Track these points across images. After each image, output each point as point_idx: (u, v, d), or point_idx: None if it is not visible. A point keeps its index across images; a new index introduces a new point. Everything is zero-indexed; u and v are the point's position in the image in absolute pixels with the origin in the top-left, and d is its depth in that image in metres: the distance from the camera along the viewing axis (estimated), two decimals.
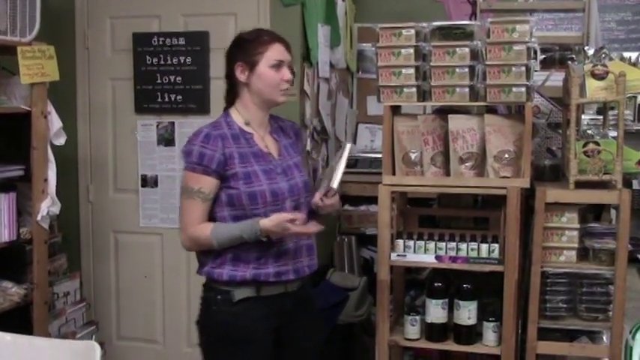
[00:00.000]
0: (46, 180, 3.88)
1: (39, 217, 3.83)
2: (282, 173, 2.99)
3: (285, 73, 2.97)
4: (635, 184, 6.40)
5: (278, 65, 2.95)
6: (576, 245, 3.43)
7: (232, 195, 2.89)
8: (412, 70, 3.47)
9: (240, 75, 2.95)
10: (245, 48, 2.95)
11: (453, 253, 3.51)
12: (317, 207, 3.02)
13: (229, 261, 2.91)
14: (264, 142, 3.02)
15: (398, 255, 3.57)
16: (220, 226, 2.90)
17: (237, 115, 3.01)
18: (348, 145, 3.05)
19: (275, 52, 2.95)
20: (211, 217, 2.95)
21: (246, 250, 2.90)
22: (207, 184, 2.88)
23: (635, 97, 6.27)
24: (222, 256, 2.92)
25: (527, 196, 3.54)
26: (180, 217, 2.98)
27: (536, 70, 3.55)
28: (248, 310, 2.93)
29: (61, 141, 4.01)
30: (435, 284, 3.58)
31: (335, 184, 2.94)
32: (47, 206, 3.86)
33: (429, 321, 3.59)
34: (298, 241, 3.01)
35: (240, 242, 2.86)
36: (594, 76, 3.32)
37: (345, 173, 5.40)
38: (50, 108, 3.91)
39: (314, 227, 2.93)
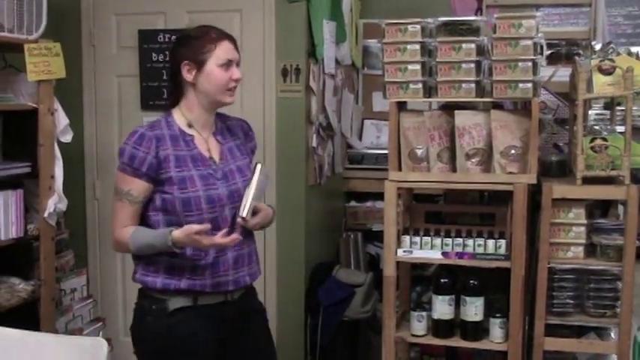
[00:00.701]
0: (52, 177, 3.88)
1: (46, 214, 3.84)
2: (223, 178, 2.83)
3: (235, 72, 2.83)
4: None
5: (227, 64, 2.80)
6: (583, 241, 3.42)
7: (166, 200, 2.75)
8: (418, 66, 3.46)
9: (187, 75, 2.80)
10: (192, 46, 2.80)
11: (459, 249, 3.51)
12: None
13: (163, 269, 2.78)
14: (207, 145, 2.87)
15: (404, 251, 3.57)
16: (140, 231, 2.76)
17: (179, 116, 2.86)
18: (259, 166, 2.86)
19: (224, 50, 2.80)
20: (145, 221, 2.81)
21: (181, 259, 2.75)
22: (137, 186, 2.75)
23: None
24: (156, 264, 2.79)
25: (534, 192, 3.54)
26: (112, 219, 2.86)
27: (542, 66, 3.54)
28: (185, 320, 2.79)
29: (67, 138, 4.01)
30: (442, 280, 3.58)
31: (244, 213, 2.74)
32: (54, 203, 3.87)
33: (435, 317, 3.58)
34: (239, 250, 2.86)
35: (154, 251, 2.73)
36: (601, 71, 3.31)
37: (350, 169, 5.47)
38: (57, 105, 3.91)
39: (230, 238, 2.70)
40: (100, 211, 5.04)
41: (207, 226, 2.67)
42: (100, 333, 4.35)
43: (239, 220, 2.76)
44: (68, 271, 4.38)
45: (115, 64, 4.93)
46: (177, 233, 2.66)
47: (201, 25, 2.92)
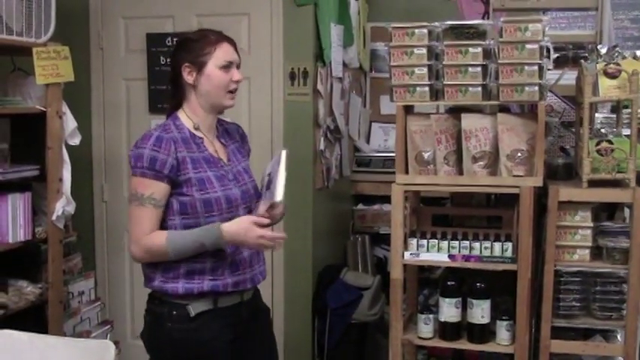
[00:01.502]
0: (61, 180, 3.90)
1: (54, 217, 3.86)
2: (234, 179, 2.87)
3: (235, 74, 2.85)
4: None
5: (227, 66, 2.82)
6: (590, 244, 3.43)
7: (185, 202, 2.74)
8: (425, 70, 3.47)
9: (188, 77, 2.81)
10: (192, 48, 2.82)
11: (466, 252, 3.51)
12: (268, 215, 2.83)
13: (183, 274, 2.77)
14: (214, 147, 2.90)
15: (411, 254, 3.58)
16: (176, 234, 2.74)
17: (186, 119, 2.87)
18: (284, 152, 2.84)
19: (224, 52, 2.83)
20: (160, 226, 2.79)
21: (201, 262, 2.76)
22: (159, 189, 2.72)
23: None
24: (175, 270, 2.77)
25: (540, 195, 3.54)
26: (130, 227, 2.80)
27: (549, 69, 3.54)
28: (205, 324, 2.79)
29: (75, 141, 4.03)
30: (449, 283, 3.59)
31: (278, 197, 2.75)
32: (62, 206, 3.88)
33: (442, 320, 3.59)
34: (252, 249, 2.88)
35: (200, 251, 2.73)
36: (607, 74, 3.32)
37: (358, 172, 5.49)
38: (65, 108, 3.93)
39: (282, 234, 2.83)
40: (108, 214, 5.06)
41: (264, 219, 2.75)
42: (108, 336, 4.37)
43: (276, 202, 2.76)
44: (76, 273, 4.39)
45: (123, 67, 4.95)
46: (230, 225, 2.70)
47: (201, 28, 2.97)
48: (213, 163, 2.84)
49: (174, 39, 4.71)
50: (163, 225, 2.78)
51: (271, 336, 3.14)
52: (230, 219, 2.76)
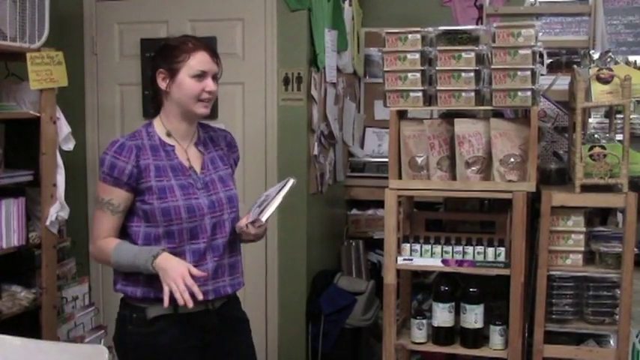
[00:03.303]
0: (54, 185, 3.90)
1: (48, 222, 3.86)
2: (204, 188, 2.82)
3: (208, 84, 2.78)
4: None
5: (200, 75, 2.76)
6: (582, 249, 3.44)
7: (146, 210, 2.73)
8: (418, 75, 3.48)
9: (161, 82, 2.78)
10: (168, 54, 2.78)
11: (459, 257, 3.52)
12: (240, 231, 2.83)
13: (143, 280, 2.75)
14: (186, 155, 2.85)
15: (404, 259, 3.58)
16: (123, 246, 2.74)
17: (159, 126, 2.84)
18: (292, 181, 2.84)
19: (198, 61, 2.76)
20: (125, 230, 2.80)
21: None
22: (118, 195, 2.72)
23: None
24: (135, 275, 2.75)
25: (534, 200, 3.55)
26: (91, 228, 2.86)
27: (542, 74, 3.55)
28: (166, 328, 2.77)
29: (69, 146, 4.03)
30: (442, 288, 3.59)
31: (265, 217, 2.73)
32: (56, 211, 3.88)
33: (435, 324, 3.60)
34: (219, 260, 2.83)
35: (134, 270, 2.70)
36: (599, 79, 3.33)
37: (352, 177, 5.49)
38: (59, 113, 3.93)
39: (201, 274, 2.68)
40: None
41: (203, 274, 2.69)
42: (102, 341, 4.35)
43: (255, 219, 2.75)
44: (70, 278, 4.38)
45: (117, 72, 4.95)
46: (170, 257, 2.65)
47: (183, 34, 2.92)
48: (181, 172, 2.80)
49: None
50: (127, 230, 2.80)
51: (248, 345, 3.07)
52: (193, 228, 2.76)
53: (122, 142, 2.76)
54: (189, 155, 2.86)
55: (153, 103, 2.91)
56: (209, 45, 2.87)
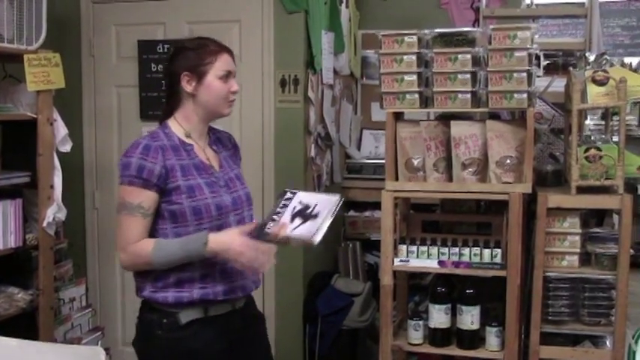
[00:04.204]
0: (52, 186, 3.90)
1: (45, 224, 3.86)
2: (225, 186, 2.84)
3: (233, 85, 2.83)
4: None
5: (226, 76, 2.80)
6: (578, 250, 3.45)
7: (175, 210, 2.70)
8: (414, 77, 3.49)
9: (187, 85, 2.78)
10: (192, 58, 2.79)
11: (455, 259, 3.52)
12: (277, 239, 2.68)
13: (173, 284, 2.72)
14: (205, 154, 2.86)
15: (401, 260, 3.59)
16: (162, 242, 2.70)
17: (176, 127, 2.84)
18: (339, 198, 2.73)
19: (223, 62, 2.80)
20: (151, 234, 2.74)
21: (190, 270, 2.71)
22: (147, 198, 2.68)
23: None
24: (164, 279, 2.72)
25: (530, 201, 3.56)
26: (118, 235, 2.73)
27: (538, 76, 3.56)
28: (196, 333, 2.75)
29: (66, 148, 4.03)
30: (438, 289, 3.60)
31: (318, 238, 2.59)
32: (53, 212, 3.88)
33: (432, 326, 3.61)
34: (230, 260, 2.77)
35: (185, 259, 2.67)
36: (595, 81, 3.34)
37: (349, 179, 5.51)
38: (56, 115, 3.94)
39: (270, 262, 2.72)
40: (99, 221, 5.06)
41: (253, 225, 2.73)
42: (99, 342, 4.36)
43: (308, 242, 2.63)
44: (67, 280, 4.39)
45: (114, 74, 4.95)
46: (217, 234, 2.67)
47: (199, 36, 2.92)
48: (204, 170, 2.80)
49: (166, 46, 4.74)
50: (154, 233, 2.75)
51: (266, 343, 3.10)
52: (220, 226, 2.75)
53: (146, 143, 2.72)
54: (208, 154, 2.88)
55: (168, 105, 2.90)
56: (227, 46, 2.89)
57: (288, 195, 2.80)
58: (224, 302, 2.81)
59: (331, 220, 2.64)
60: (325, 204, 2.70)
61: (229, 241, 2.65)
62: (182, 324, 2.74)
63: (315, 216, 2.67)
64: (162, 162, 2.69)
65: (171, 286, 2.72)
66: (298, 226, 2.67)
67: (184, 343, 2.74)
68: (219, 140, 3.01)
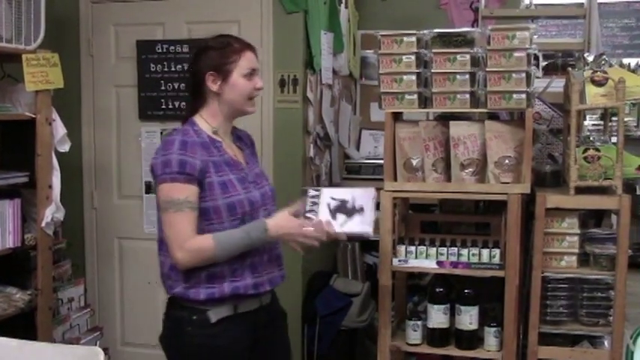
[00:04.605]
0: (50, 186, 3.90)
1: (43, 224, 3.86)
2: (253, 182, 2.89)
3: (258, 82, 2.88)
4: (638, 190, 6.43)
5: (251, 74, 2.85)
6: (577, 250, 3.45)
7: (208, 207, 2.73)
8: (413, 77, 3.49)
9: (212, 85, 2.82)
10: (216, 57, 2.82)
11: (454, 259, 3.52)
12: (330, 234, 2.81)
13: (204, 279, 2.75)
14: (233, 151, 2.91)
15: (400, 261, 3.59)
16: (220, 234, 2.71)
17: (204, 124, 2.86)
18: (374, 193, 2.92)
19: (247, 60, 2.84)
20: None
21: (221, 265, 2.74)
22: (192, 192, 2.70)
23: (639, 103, 6.29)
24: (196, 276, 2.75)
25: (528, 202, 3.56)
26: (170, 234, 2.71)
27: (537, 77, 3.56)
28: (225, 330, 2.79)
29: (65, 148, 4.04)
30: (437, 289, 3.60)
31: (371, 229, 2.81)
32: (52, 212, 3.88)
33: (430, 326, 3.61)
34: (272, 252, 2.90)
35: (248, 247, 2.72)
36: (594, 82, 3.34)
37: (348, 179, 5.50)
38: (55, 115, 3.94)
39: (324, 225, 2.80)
40: (98, 221, 5.06)
41: (298, 206, 2.84)
42: (98, 342, 4.36)
43: (365, 236, 2.82)
44: (66, 280, 4.39)
45: (113, 74, 4.95)
46: (271, 220, 2.76)
47: (221, 34, 2.95)
48: (234, 166, 2.85)
49: (165, 46, 4.74)
50: None
51: (286, 340, 3.15)
52: (251, 221, 2.79)
53: (182, 139, 2.75)
54: (234, 151, 2.93)
55: (193, 103, 2.93)
56: (250, 43, 2.92)
57: (313, 192, 2.91)
58: (252, 298, 2.86)
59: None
60: (363, 197, 2.86)
61: (286, 223, 2.76)
62: (213, 322, 2.78)
63: (361, 210, 2.82)
64: (200, 157, 2.73)
65: (202, 282, 2.76)
66: (346, 221, 2.82)
67: (213, 340, 2.79)
68: (240, 138, 3.06)
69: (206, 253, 2.70)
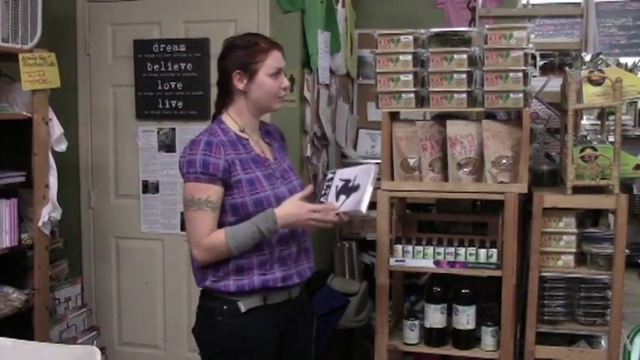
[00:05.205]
0: (47, 186, 3.90)
1: (40, 223, 3.85)
2: (281, 177, 2.94)
3: (283, 81, 2.93)
4: (635, 189, 6.42)
5: (277, 73, 2.89)
6: (574, 250, 3.45)
7: (237, 204, 2.80)
8: (410, 76, 3.49)
9: (238, 83, 2.86)
10: (243, 56, 2.86)
11: (451, 258, 3.52)
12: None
13: (232, 271, 2.81)
14: (260, 148, 2.96)
15: (397, 260, 3.59)
16: (232, 228, 2.78)
17: (231, 122, 2.92)
18: (375, 167, 2.91)
19: (274, 60, 2.89)
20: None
21: (247, 257, 2.81)
22: (214, 192, 2.77)
23: (636, 103, 6.29)
24: (224, 268, 2.82)
25: (525, 201, 3.56)
26: (189, 231, 2.83)
27: (535, 76, 3.55)
28: (255, 320, 2.85)
29: (62, 147, 4.03)
30: (434, 289, 3.60)
31: (365, 208, 2.78)
32: (48, 212, 3.88)
33: (427, 326, 3.60)
34: (300, 244, 2.95)
35: (258, 239, 2.76)
36: (591, 81, 3.34)
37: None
38: (51, 114, 3.93)
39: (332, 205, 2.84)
40: (95, 220, 5.05)
41: (309, 189, 2.87)
42: (95, 342, 4.35)
43: (358, 214, 2.83)
44: (62, 280, 4.39)
45: (110, 73, 4.94)
46: (280, 208, 2.78)
47: (249, 33, 3.00)
48: (261, 163, 2.89)
49: (162, 45, 4.73)
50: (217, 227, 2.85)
51: (310, 335, 3.20)
52: None
53: (207, 139, 2.82)
54: (262, 147, 2.97)
55: (220, 101, 2.98)
56: (277, 42, 2.98)
57: (329, 176, 2.99)
58: (282, 290, 2.91)
59: (372, 187, 2.81)
60: (363, 174, 2.86)
61: (296, 210, 2.78)
62: (242, 311, 2.84)
63: (357, 187, 2.83)
64: (225, 157, 2.79)
65: (231, 274, 2.83)
66: (344, 201, 2.84)
67: (242, 329, 2.85)
68: (269, 133, 3.10)
69: (220, 249, 2.78)
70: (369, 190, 2.80)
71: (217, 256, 2.81)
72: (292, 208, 2.78)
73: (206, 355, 2.96)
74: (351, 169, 2.98)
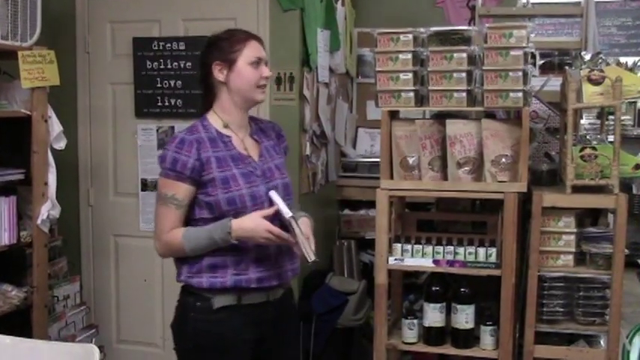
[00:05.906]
0: (46, 184, 3.89)
1: (39, 221, 3.85)
2: (262, 175, 2.89)
3: (264, 70, 2.91)
4: (635, 189, 6.43)
5: (257, 62, 2.88)
6: (573, 249, 3.45)
7: (211, 202, 2.79)
8: (410, 75, 3.49)
9: (219, 74, 2.87)
10: (221, 47, 2.87)
11: (450, 258, 3.52)
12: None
13: (206, 268, 2.82)
14: (244, 145, 2.92)
15: (396, 259, 3.59)
16: (192, 230, 2.81)
17: (214, 119, 2.91)
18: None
19: (252, 49, 2.88)
20: (189, 222, 2.86)
21: (221, 256, 2.80)
22: (181, 190, 2.79)
23: (635, 102, 6.31)
24: (199, 264, 2.82)
25: (525, 201, 3.56)
26: (155, 224, 2.88)
27: (534, 75, 3.55)
28: (228, 318, 2.83)
29: (61, 145, 4.03)
30: (433, 288, 3.60)
31: (313, 257, 2.79)
32: (47, 210, 3.88)
33: (426, 325, 3.60)
34: (280, 246, 2.86)
35: (212, 246, 2.77)
36: (591, 81, 3.34)
37: (344, 177, 5.51)
38: (50, 112, 3.93)
39: (288, 236, 2.78)
40: (94, 218, 5.05)
41: (272, 209, 2.79)
42: (93, 340, 4.35)
43: (310, 261, 2.80)
44: (61, 277, 4.39)
45: (109, 71, 4.94)
46: (240, 219, 2.74)
47: (228, 28, 3.00)
48: (241, 161, 2.87)
49: (161, 43, 4.73)
50: (195, 222, 2.84)
51: (297, 339, 3.19)
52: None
53: (182, 137, 2.83)
54: (247, 145, 2.94)
55: (205, 98, 2.98)
56: (255, 34, 2.98)
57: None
58: (258, 291, 2.87)
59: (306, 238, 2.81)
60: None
61: (253, 226, 2.74)
62: (214, 308, 2.82)
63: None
64: (197, 155, 2.79)
65: (205, 271, 2.83)
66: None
67: (215, 327, 2.84)
68: (262, 130, 3.07)
69: (177, 247, 2.82)
70: (304, 241, 2.77)
71: (174, 252, 2.86)
72: (250, 224, 2.74)
73: (180, 350, 2.95)
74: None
